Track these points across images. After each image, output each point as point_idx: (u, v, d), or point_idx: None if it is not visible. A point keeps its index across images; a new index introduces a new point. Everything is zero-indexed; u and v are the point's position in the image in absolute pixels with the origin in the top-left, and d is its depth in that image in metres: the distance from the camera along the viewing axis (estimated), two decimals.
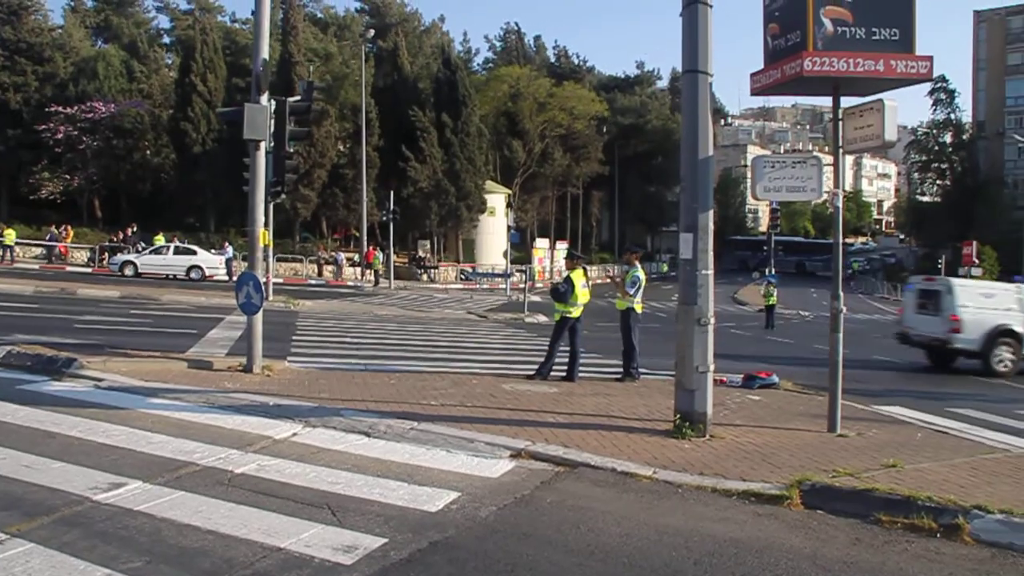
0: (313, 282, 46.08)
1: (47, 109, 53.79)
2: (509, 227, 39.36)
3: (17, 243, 43.92)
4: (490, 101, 68.71)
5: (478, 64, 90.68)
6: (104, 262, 42.88)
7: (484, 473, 7.41)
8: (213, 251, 43.19)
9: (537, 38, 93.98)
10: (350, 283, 47.05)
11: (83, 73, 58.91)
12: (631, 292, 13.72)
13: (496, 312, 32.20)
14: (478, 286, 52.80)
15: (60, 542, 5.33)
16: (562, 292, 13.46)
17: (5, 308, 21.09)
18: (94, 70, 58.86)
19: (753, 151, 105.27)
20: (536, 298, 34.90)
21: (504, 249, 44.96)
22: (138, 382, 11.11)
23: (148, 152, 56.20)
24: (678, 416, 9.14)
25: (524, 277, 38.13)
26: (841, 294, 9.77)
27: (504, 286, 46.10)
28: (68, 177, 53.97)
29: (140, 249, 42.45)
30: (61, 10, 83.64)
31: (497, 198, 61.70)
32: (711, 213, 9.22)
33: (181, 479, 6.82)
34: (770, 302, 33.57)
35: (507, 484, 7.12)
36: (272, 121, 13.19)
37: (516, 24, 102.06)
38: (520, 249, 54.69)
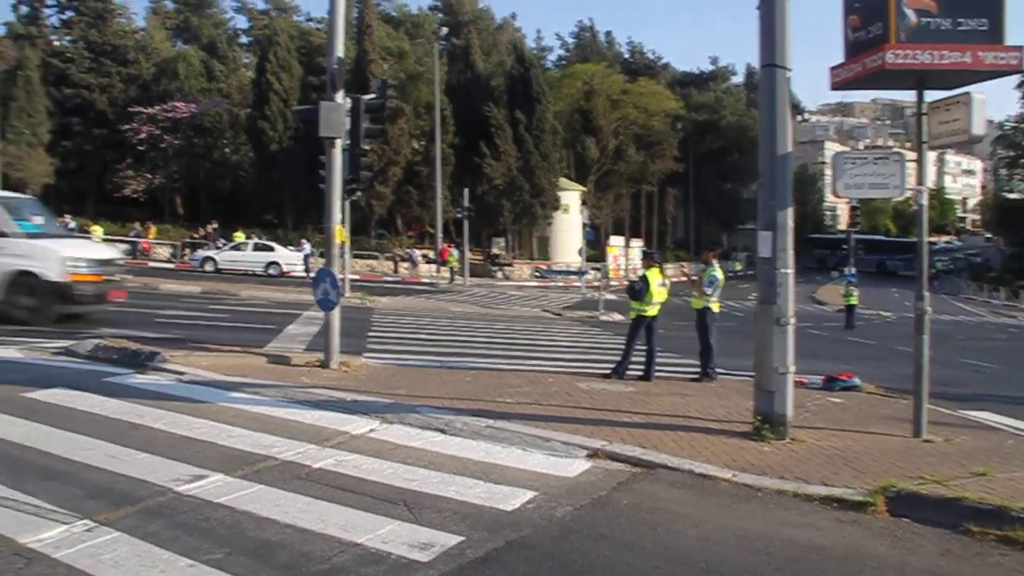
0: (389, 279, 46.48)
1: (130, 109, 55.40)
2: (584, 224, 39.06)
3: (104, 239, 45.19)
4: (564, 98, 68.49)
5: (551, 61, 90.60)
6: (185, 258, 43.95)
7: (560, 472, 7.35)
8: (290, 248, 43.84)
9: (608, 34, 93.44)
10: (425, 280, 47.34)
11: (164, 73, 60.47)
12: (708, 291, 13.52)
13: (571, 310, 32.12)
14: (553, 284, 52.72)
15: (145, 531, 5.44)
16: (638, 290, 13.33)
17: None
18: (175, 70, 60.35)
19: (831, 147, 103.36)
20: (611, 296, 34.73)
21: (579, 247, 44.78)
22: (219, 376, 11.29)
23: (227, 150, 57.32)
24: (757, 418, 8.97)
25: (599, 275, 37.96)
26: (926, 294, 9.47)
27: (579, 284, 45.96)
28: (150, 175, 55.44)
29: (220, 245, 43.37)
30: (143, 12, 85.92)
31: (571, 195, 61.46)
32: (790, 211, 9.02)
33: (260, 473, 6.90)
34: (850, 302, 32.84)
35: (583, 484, 7.05)
36: (347, 119, 13.27)
37: (590, 20, 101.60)
38: (595, 247, 54.40)
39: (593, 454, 7.95)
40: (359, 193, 15.48)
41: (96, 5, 63.17)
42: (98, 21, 62.78)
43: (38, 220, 17.28)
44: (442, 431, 8.68)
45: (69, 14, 65.09)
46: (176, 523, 5.64)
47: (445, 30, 64.12)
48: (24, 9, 66.13)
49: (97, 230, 44.67)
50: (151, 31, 71.51)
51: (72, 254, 16.49)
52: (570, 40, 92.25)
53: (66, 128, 56.92)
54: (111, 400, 9.46)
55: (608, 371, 13.33)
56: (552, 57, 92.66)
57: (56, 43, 64.39)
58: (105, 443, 7.56)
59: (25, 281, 15.63)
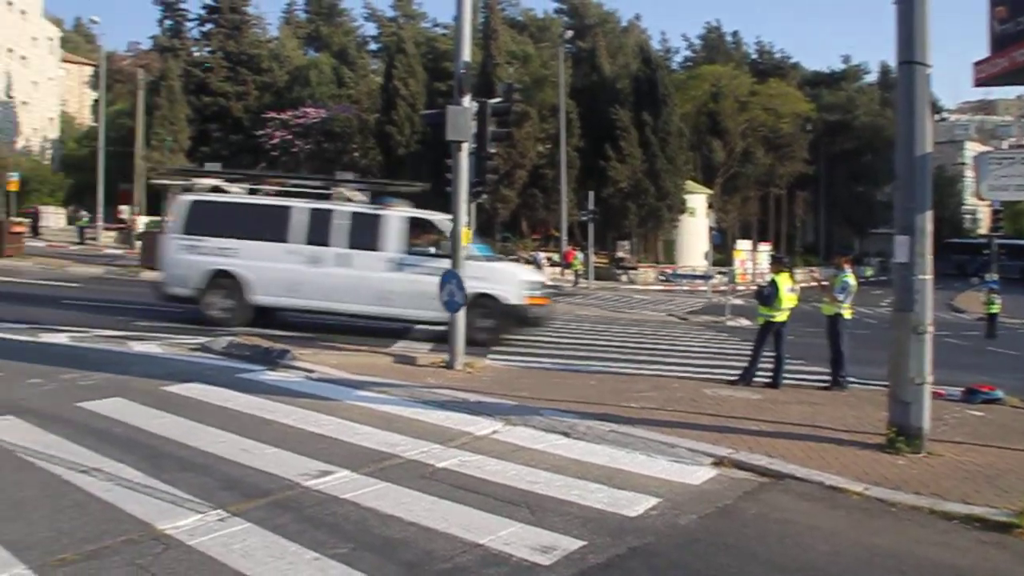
0: None
1: (264, 115, 57.40)
2: (711, 228, 38.57)
3: None
4: (690, 100, 67.48)
5: (676, 63, 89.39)
6: None
7: (685, 480, 7.23)
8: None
9: (736, 34, 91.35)
10: (549, 283, 47.23)
11: (297, 81, 62.53)
12: (840, 297, 13.11)
13: (697, 315, 31.64)
14: (678, 288, 52.06)
15: (273, 524, 5.60)
16: (767, 295, 13.02)
17: None
18: (307, 77, 62.31)
19: (971, 148, 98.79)
20: (738, 301, 34.10)
21: (705, 250, 44.12)
22: (346, 375, 11.55)
23: (356, 154, 58.66)
24: (891, 430, 8.61)
25: (725, 279, 37.32)
26: None
27: (705, 288, 45.26)
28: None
29: None
30: (276, 23, 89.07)
31: (697, 198, 60.57)
32: (929, 214, 8.64)
33: (385, 470, 7.01)
34: (992, 310, 31.24)
35: (708, 492, 6.93)
36: (474, 123, 13.38)
37: (717, 23, 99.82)
38: (721, 251, 53.49)
39: (719, 462, 7.80)
40: (485, 196, 15.54)
41: (233, 17, 65.89)
42: (235, 32, 65.45)
43: (480, 242, 18.14)
44: (566, 434, 8.65)
45: (209, 26, 68.21)
46: (304, 516, 5.79)
47: (570, 33, 64.01)
48: (168, 23, 69.62)
49: None
50: (284, 40, 74.10)
51: (527, 277, 17.67)
52: (696, 41, 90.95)
53: (205, 134, 59.46)
54: (244, 395, 9.80)
55: (735, 377, 13.08)
56: (678, 58, 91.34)
57: (196, 54, 67.45)
58: (238, 437, 7.83)
59: (483, 303, 15.85)
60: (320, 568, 4.95)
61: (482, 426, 8.85)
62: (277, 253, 16.53)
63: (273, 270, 16.43)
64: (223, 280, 16.59)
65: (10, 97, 63.75)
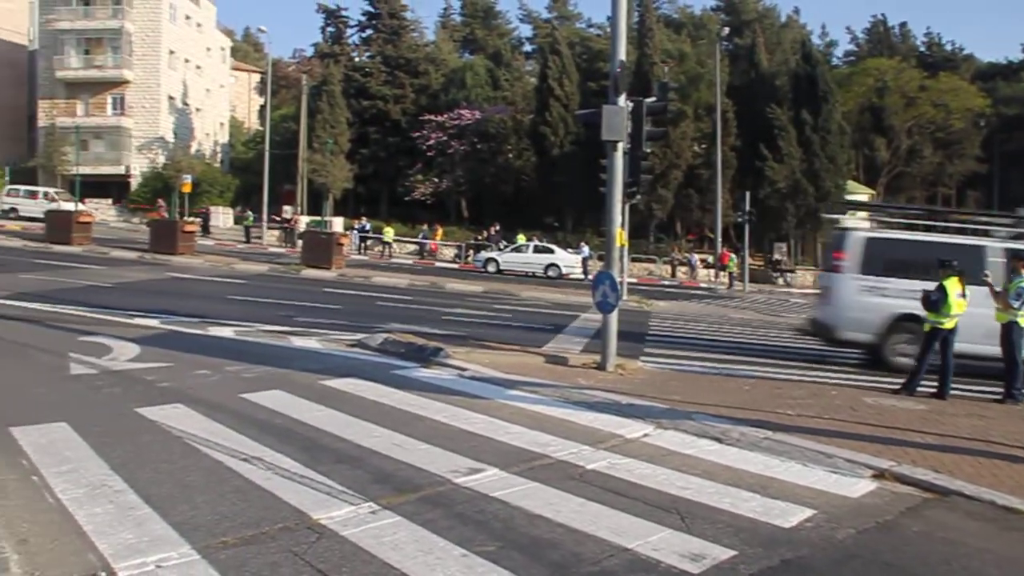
0: (666, 283, 46.23)
1: (421, 118, 58.76)
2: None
3: (395, 240, 48.40)
4: (852, 96, 65.12)
5: (838, 57, 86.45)
6: (469, 259, 45.84)
7: (842, 492, 6.94)
8: (570, 250, 44.60)
9: (903, 25, 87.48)
10: (703, 285, 46.60)
11: (452, 83, 63.73)
12: (1015, 304, 12.32)
13: None
14: None
15: (423, 518, 5.70)
16: (933, 300, 12.38)
17: (384, 299, 23.14)
18: (462, 80, 63.40)
19: None
20: None
21: None
22: (498, 373, 11.64)
23: (511, 155, 59.27)
24: None
25: None
26: None
27: None
28: (438, 180, 58.56)
29: (502, 247, 44.91)
30: (433, 27, 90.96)
31: (859, 199, 58.43)
32: None
33: (534, 470, 7.02)
34: None
35: (868, 506, 6.62)
36: (629, 122, 13.27)
37: (883, 16, 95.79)
38: None
39: (879, 475, 7.45)
40: (639, 196, 15.45)
41: (392, 23, 67.76)
42: (393, 37, 67.29)
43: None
44: (718, 440, 8.46)
45: (368, 32, 70.48)
46: (453, 513, 5.86)
47: (727, 30, 62.83)
48: (330, 31, 72.37)
49: (389, 231, 48.00)
50: (440, 44, 75.75)
51: None
52: (860, 35, 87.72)
53: (364, 137, 61.26)
54: (397, 391, 10.03)
55: (897, 386, 12.50)
56: (838, 52, 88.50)
57: (356, 59, 69.69)
58: (391, 432, 8.00)
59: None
60: (467, 565, 4.99)
61: (632, 429, 8.76)
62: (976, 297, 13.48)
63: (969, 315, 13.42)
64: (907, 324, 15.02)
65: (186, 104, 67.38)
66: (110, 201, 60.07)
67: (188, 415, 8.28)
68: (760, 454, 8.02)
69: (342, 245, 34.86)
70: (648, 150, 14.60)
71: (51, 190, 51.37)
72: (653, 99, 14.31)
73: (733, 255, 48.07)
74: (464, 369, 11.90)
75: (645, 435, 8.56)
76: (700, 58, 60.91)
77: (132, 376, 10.26)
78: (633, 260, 45.95)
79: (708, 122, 53.81)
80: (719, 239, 51.47)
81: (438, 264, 45.65)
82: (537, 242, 44.49)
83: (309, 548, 5.12)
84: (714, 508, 6.25)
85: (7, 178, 59.31)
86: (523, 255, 42.06)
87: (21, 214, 47.22)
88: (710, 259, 52.17)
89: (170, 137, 63.76)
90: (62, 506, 5.68)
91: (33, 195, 49.75)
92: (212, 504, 5.80)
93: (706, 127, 54.69)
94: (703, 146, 55.78)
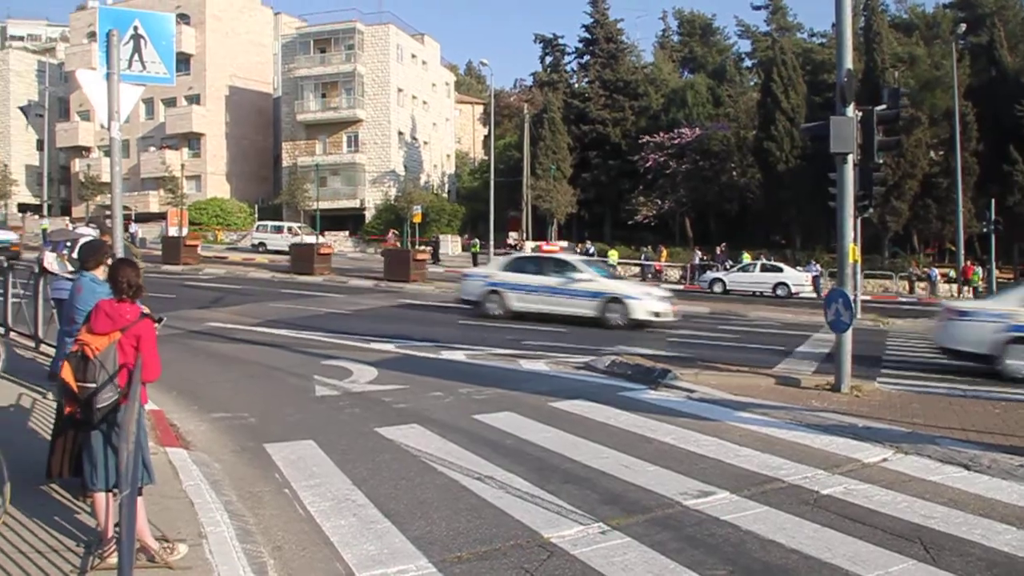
0: (904, 299, 43.78)
1: (640, 140, 58.72)
2: None
3: (619, 263, 48.60)
4: None
5: None
6: (694, 279, 45.27)
7: None
8: (799, 268, 43.29)
9: None
10: (945, 301, 43.79)
11: (673, 103, 63.43)
12: None
13: None
14: None
15: (652, 540, 5.68)
16: None
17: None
18: (683, 99, 62.99)
19: None
20: None
21: None
22: (727, 395, 11.42)
23: (734, 172, 58.18)
24: None
25: None
26: None
27: None
28: (660, 201, 58.24)
29: (728, 267, 44.12)
30: (651, 49, 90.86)
31: None
32: None
33: (766, 494, 6.84)
34: None
35: None
36: (858, 133, 12.73)
37: None
38: None
39: None
40: (871, 210, 14.71)
41: (609, 47, 68.43)
42: (611, 61, 67.89)
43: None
44: (965, 467, 7.92)
45: (586, 58, 71.50)
46: (683, 535, 5.80)
47: (963, 27, 58.96)
48: (548, 60, 74.04)
49: (613, 254, 48.31)
50: (659, 64, 75.66)
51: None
52: None
53: (585, 161, 62.03)
54: (624, 413, 10.04)
55: None
56: None
57: (575, 85, 70.74)
58: (618, 453, 8.03)
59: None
60: None
61: (870, 453, 8.36)
62: None
63: None
64: None
65: (414, 139, 70.56)
66: (347, 233, 63.68)
67: (424, 435, 8.64)
68: (1015, 483, 7.43)
69: None
70: (880, 161, 13.90)
71: (294, 225, 55.16)
72: (884, 107, 13.58)
73: (978, 268, 45.02)
74: (692, 391, 11.76)
75: (884, 460, 8.15)
76: (935, 60, 57.56)
77: (371, 397, 10.82)
78: (867, 276, 43.89)
79: (945, 127, 50.68)
80: (961, 251, 48.22)
81: (663, 286, 45.27)
82: (764, 260, 43.38)
83: (540, 566, 5.21)
84: (963, 540, 5.85)
85: (255, 215, 64.23)
86: (750, 274, 41.13)
87: (269, 248, 50.97)
88: (952, 273, 48.96)
89: (400, 170, 66.91)
90: (311, 517, 6.10)
91: (279, 230, 53.56)
92: (447, 520, 6.02)
93: (943, 132, 51.53)
94: (940, 153, 52.57)
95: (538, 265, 22.48)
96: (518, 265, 22.93)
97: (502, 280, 22.25)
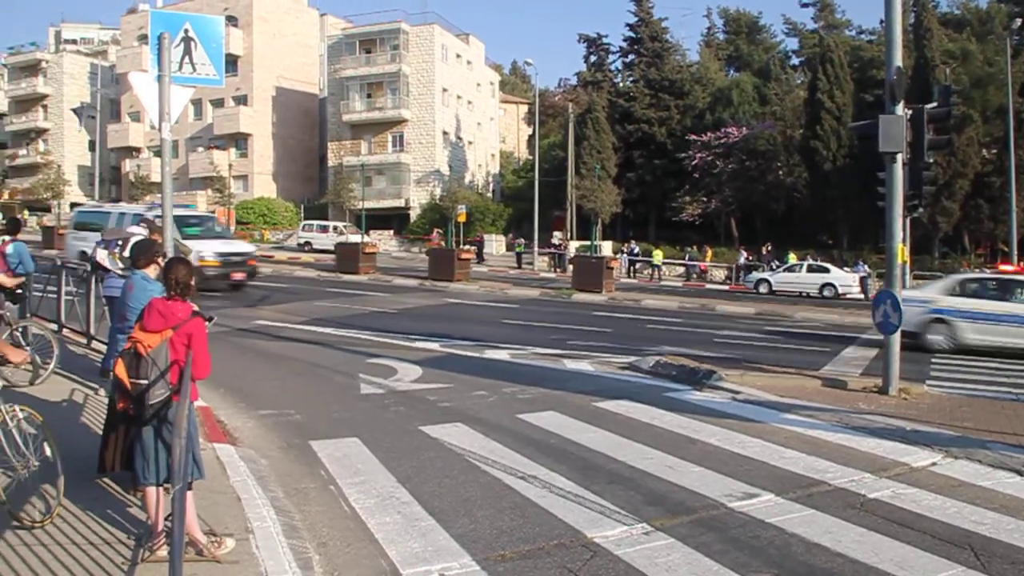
0: None
1: (686, 138, 58.40)
2: None
3: (664, 262, 48.40)
4: None
5: None
6: (740, 280, 44.92)
7: None
8: (846, 268, 42.76)
9: None
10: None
11: (718, 102, 62.97)
12: None
13: None
14: None
15: (696, 541, 5.68)
16: None
17: (654, 322, 23.12)
18: (729, 98, 62.49)
19: None
20: None
21: None
22: (772, 397, 11.34)
23: (780, 172, 57.58)
24: None
25: None
26: None
27: None
28: (705, 200, 57.86)
29: (774, 267, 43.72)
30: (696, 47, 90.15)
31: None
32: None
33: (812, 497, 6.79)
34: None
35: None
36: (908, 131, 12.55)
37: None
38: None
39: None
40: (921, 210, 14.43)
41: (654, 46, 68.00)
42: (656, 60, 67.47)
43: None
44: (1018, 472, 7.79)
45: (631, 57, 71.22)
46: (727, 537, 5.78)
47: (1019, 22, 57.73)
48: (592, 59, 73.88)
49: (658, 254, 48.17)
50: (704, 63, 75.10)
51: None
52: None
53: (629, 160, 61.68)
54: (669, 414, 10.00)
55: None
56: None
57: (620, 84, 70.52)
58: (663, 454, 8.01)
59: None
60: None
61: (919, 457, 8.26)
62: None
63: None
64: None
65: (459, 138, 70.74)
66: (391, 232, 63.98)
67: (467, 433, 8.69)
68: None
69: (612, 269, 35.25)
70: (930, 160, 13.69)
71: (340, 224, 55.56)
72: (934, 105, 13.39)
73: None
74: (737, 392, 11.69)
75: (933, 464, 8.04)
76: (987, 56, 56.51)
77: (415, 396, 10.89)
78: (916, 277, 43.11)
79: (998, 124, 49.72)
80: (1015, 252, 47.22)
81: (708, 286, 45.02)
82: (811, 261, 42.91)
83: (583, 565, 5.22)
84: (1015, 547, 5.77)
85: (301, 214, 64.82)
86: (796, 275, 40.70)
87: (314, 247, 51.44)
88: None
89: (445, 170, 67.09)
90: (356, 514, 6.17)
91: (324, 229, 54.00)
92: (491, 519, 6.05)
93: (996, 130, 50.57)
94: (993, 151, 51.59)
95: (1001, 288, 18.51)
96: (971, 288, 18.78)
97: (950, 306, 18.16)
